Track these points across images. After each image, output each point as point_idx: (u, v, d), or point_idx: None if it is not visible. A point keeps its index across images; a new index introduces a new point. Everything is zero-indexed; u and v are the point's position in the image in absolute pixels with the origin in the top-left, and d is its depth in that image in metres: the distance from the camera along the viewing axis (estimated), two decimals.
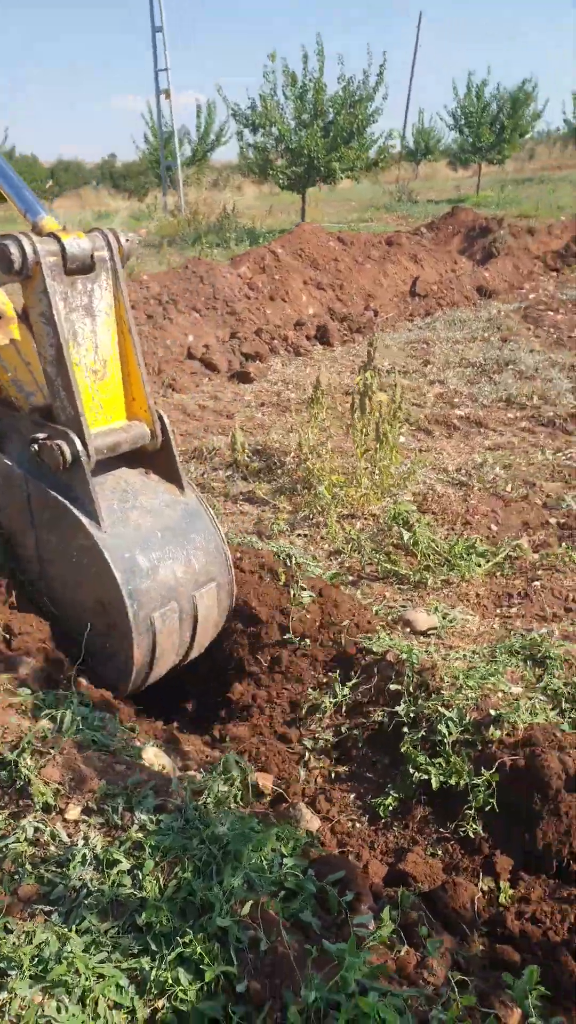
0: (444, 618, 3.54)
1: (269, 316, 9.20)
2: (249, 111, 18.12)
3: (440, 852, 2.63)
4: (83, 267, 2.76)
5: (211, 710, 3.35)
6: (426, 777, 2.72)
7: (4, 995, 1.65)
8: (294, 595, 3.42)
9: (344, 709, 3.11)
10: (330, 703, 3.12)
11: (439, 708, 2.83)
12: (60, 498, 2.81)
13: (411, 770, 2.76)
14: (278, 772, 2.95)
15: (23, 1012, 1.62)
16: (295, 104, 17.75)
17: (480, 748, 2.72)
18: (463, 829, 2.63)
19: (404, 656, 3.09)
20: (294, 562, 3.70)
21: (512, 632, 3.50)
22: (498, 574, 4.06)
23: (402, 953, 2.06)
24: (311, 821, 2.65)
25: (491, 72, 38.18)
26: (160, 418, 3.04)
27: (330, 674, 3.23)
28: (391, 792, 2.80)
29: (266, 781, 2.84)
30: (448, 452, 5.86)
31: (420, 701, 2.90)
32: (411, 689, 2.96)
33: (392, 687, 3.01)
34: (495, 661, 3.15)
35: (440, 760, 2.73)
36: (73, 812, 2.15)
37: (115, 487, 2.98)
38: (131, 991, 1.71)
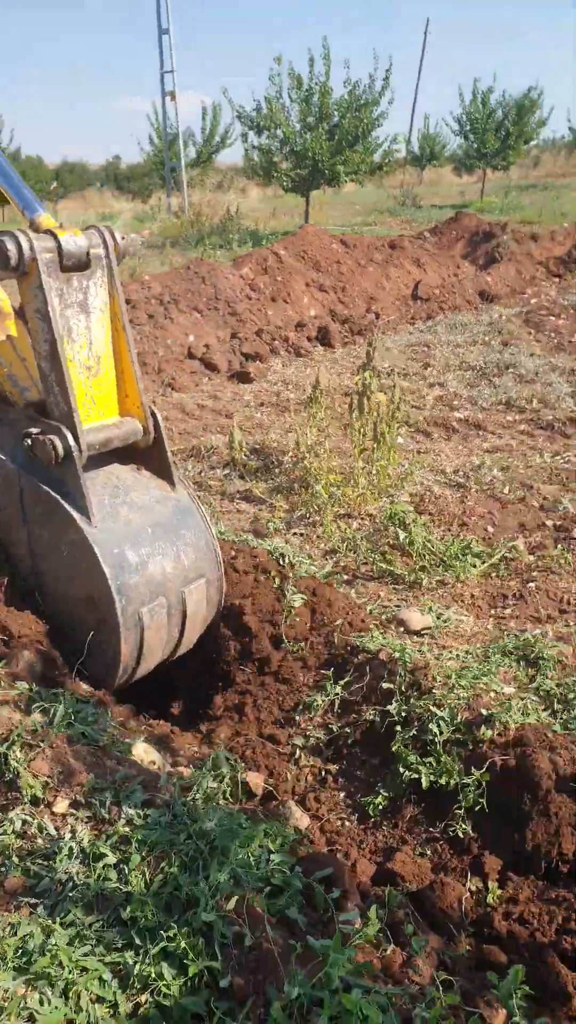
0: (438, 618, 3.53)
1: (270, 317, 9.21)
2: (254, 113, 18.17)
3: (429, 852, 2.62)
4: (79, 264, 2.77)
5: (201, 706, 3.35)
6: (416, 776, 2.72)
7: None
8: (285, 602, 3.41)
9: (336, 708, 3.11)
10: (322, 701, 3.11)
11: (431, 707, 2.82)
12: (52, 493, 2.82)
13: (402, 769, 2.76)
14: (268, 770, 2.94)
15: (5, 1004, 1.62)
16: (300, 107, 17.80)
17: (471, 748, 2.72)
18: (452, 829, 2.62)
19: (397, 655, 3.08)
20: (287, 561, 3.69)
21: (506, 633, 3.50)
22: (493, 575, 4.06)
23: (388, 952, 2.05)
24: (301, 819, 2.65)
25: (496, 79, 38.40)
26: (153, 415, 3.05)
27: (322, 672, 3.22)
28: (381, 791, 2.79)
29: (256, 779, 2.84)
30: (446, 454, 5.86)
31: (412, 700, 2.90)
32: (403, 688, 2.96)
33: (384, 686, 3.00)
34: (488, 661, 3.15)
35: (431, 759, 2.73)
36: (61, 805, 2.15)
37: (106, 482, 3.00)
38: (114, 985, 1.70)
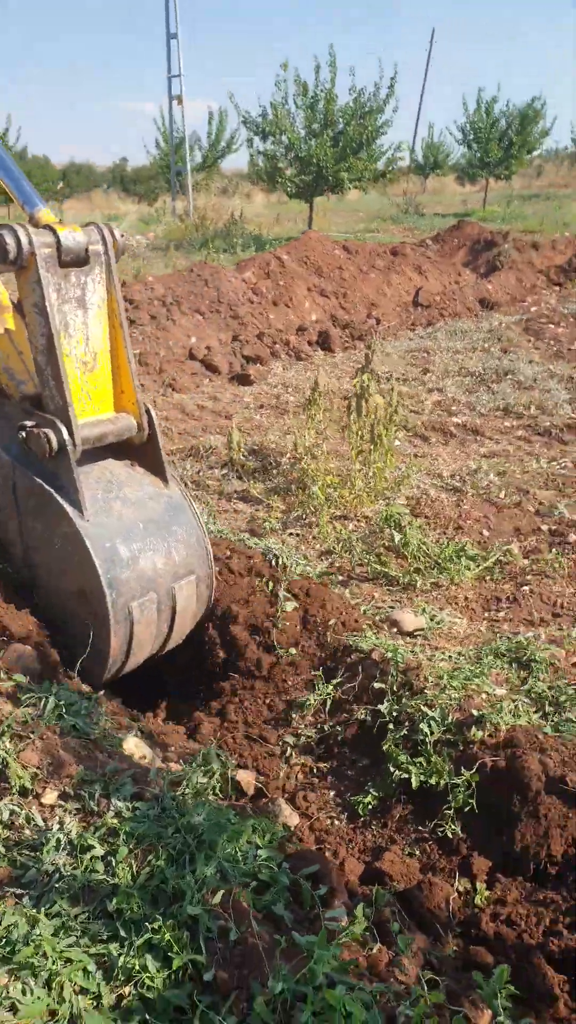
0: (431, 620, 3.53)
1: (272, 321, 9.23)
2: (260, 119, 18.23)
3: (418, 852, 2.62)
4: (77, 260, 2.79)
5: (190, 702, 3.35)
6: (406, 776, 2.71)
7: None
8: (279, 606, 3.41)
9: (328, 707, 3.11)
10: (314, 700, 3.11)
11: (422, 707, 2.82)
12: (45, 486, 2.84)
13: (392, 769, 2.75)
14: (256, 769, 2.94)
15: None
16: (306, 113, 17.88)
17: (461, 748, 2.71)
18: (442, 829, 2.62)
19: (389, 655, 3.08)
20: (280, 562, 3.69)
21: (499, 635, 3.50)
22: (487, 578, 4.06)
23: (374, 951, 2.05)
24: (290, 817, 2.64)
25: (500, 88, 38.61)
26: (147, 411, 3.07)
27: (314, 672, 3.22)
28: (371, 790, 2.79)
29: (248, 778, 2.84)
30: (444, 458, 5.87)
31: (403, 700, 2.89)
32: (395, 688, 2.96)
33: (376, 686, 3.00)
34: (480, 663, 3.14)
35: (421, 759, 2.72)
36: (50, 797, 2.14)
37: (100, 477, 3.02)
38: (98, 976, 1.69)
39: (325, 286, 10.45)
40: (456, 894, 2.46)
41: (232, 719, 3.17)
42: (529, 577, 4.08)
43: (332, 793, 2.87)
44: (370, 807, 2.76)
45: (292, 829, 2.58)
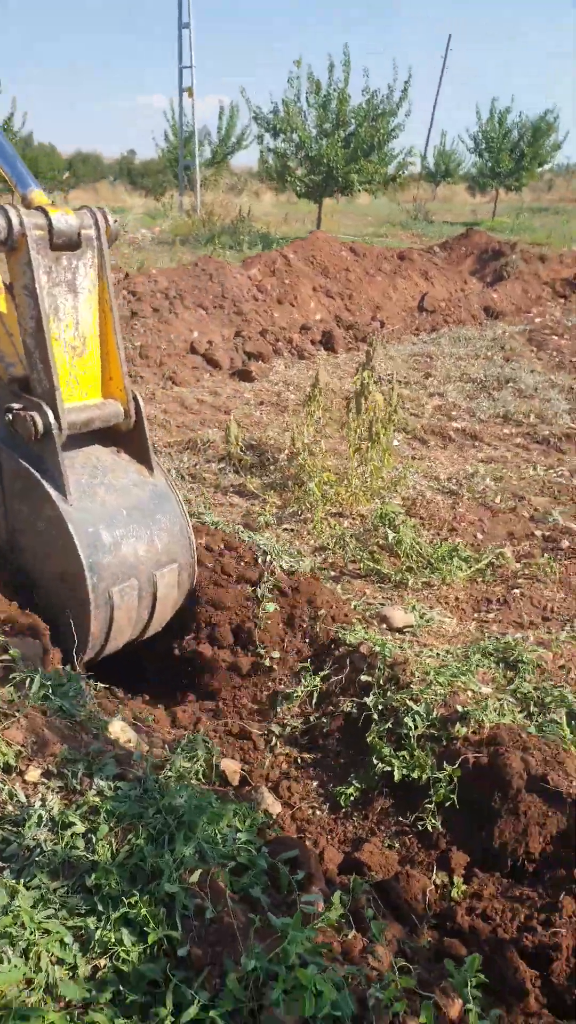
0: (421, 617, 3.55)
1: (276, 319, 9.25)
2: (271, 115, 18.16)
3: (397, 844, 2.64)
4: (69, 243, 2.80)
5: (171, 688, 3.38)
6: (389, 769, 2.73)
7: None
8: (262, 607, 3.43)
9: (314, 698, 3.12)
10: (301, 692, 3.13)
11: (407, 702, 2.84)
12: (31, 469, 2.86)
13: (375, 761, 2.77)
14: (243, 759, 2.96)
15: None
16: (318, 112, 17.80)
17: (445, 744, 2.73)
18: (422, 823, 2.64)
19: (377, 649, 3.10)
20: (268, 559, 3.70)
21: (488, 636, 3.52)
22: (479, 580, 4.08)
23: (349, 937, 2.06)
24: (272, 805, 2.66)
25: (514, 100, 38.76)
26: (135, 398, 3.09)
27: (301, 664, 3.24)
28: (354, 782, 2.81)
29: (233, 767, 2.85)
30: (441, 462, 5.89)
31: (389, 694, 2.91)
32: (381, 682, 2.98)
33: (363, 679, 3.02)
34: (468, 661, 3.16)
35: (404, 753, 2.74)
36: (33, 774, 2.16)
37: (85, 463, 3.04)
38: (75, 948, 1.71)
39: (331, 287, 10.48)
40: (433, 887, 2.48)
41: (216, 709, 3.19)
42: (520, 580, 4.10)
43: (315, 783, 2.89)
44: (352, 798, 2.78)
45: (274, 817, 2.60)
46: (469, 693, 2.93)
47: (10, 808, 2.07)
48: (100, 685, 3.04)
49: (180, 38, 21.91)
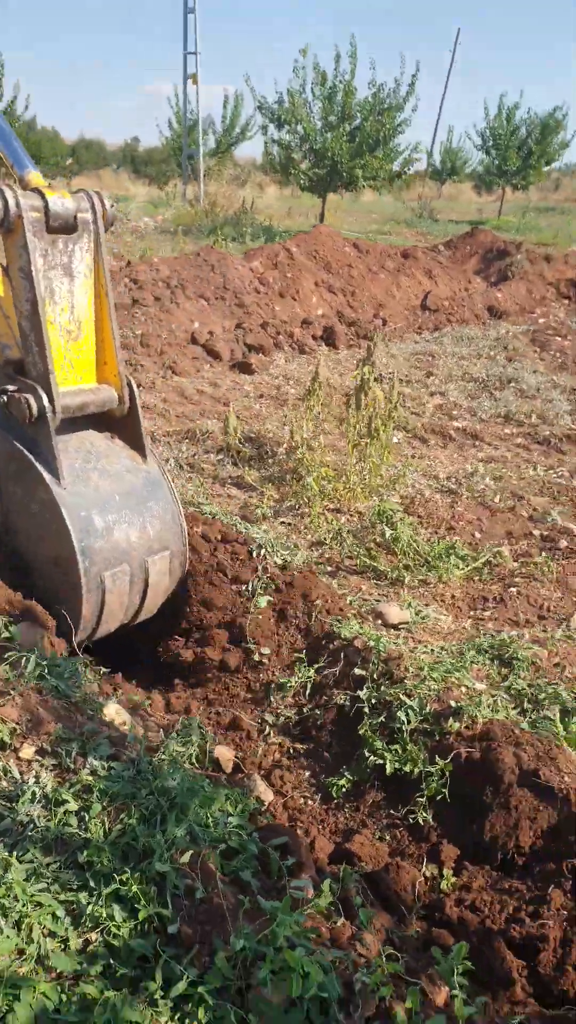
0: (417, 614, 3.56)
1: (277, 312, 9.24)
2: (276, 106, 17.94)
3: (388, 836, 2.65)
4: (66, 226, 2.80)
5: (163, 672, 3.40)
6: (381, 762, 2.75)
7: None
8: (254, 601, 3.44)
9: (308, 690, 3.14)
10: (295, 683, 3.14)
11: (401, 696, 2.85)
12: (25, 452, 2.87)
13: (367, 754, 2.79)
14: (237, 745, 2.97)
15: None
16: (323, 104, 17.58)
17: (437, 738, 2.75)
18: (413, 816, 2.65)
19: (372, 644, 3.11)
20: (263, 552, 3.71)
21: (483, 633, 3.53)
22: (476, 578, 4.10)
23: (338, 924, 2.08)
24: (265, 793, 2.67)
25: (523, 95, 38.62)
26: (129, 384, 3.10)
27: (296, 655, 3.25)
28: (346, 774, 2.82)
29: (227, 754, 2.87)
30: (441, 460, 5.90)
31: (383, 688, 2.93)
32: (375, 676, 2.99)
33: (357, 672, 3.03)
34: (462, 657, 3.18)
35: (397, 747, 2.76)
36: (27, 751, 2.17)
37: (79, 447, 3.06)
38: (66, 922, 1.73)
39: (333, 282, 10.47)
40: (423, 878, 2.49)
41: (208, 698, 3.20)
42: (517, 579, 4.12)
43: (307, 774, 2.90)
44: (344, 790, 2.79)
45: (266, 804, 2.61)
46: (463, 689, 2.95)
47: (4, 784, 2.09)
48: (103, 670, 3.06)
49: (185, 24, 21.70)
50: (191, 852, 1.90)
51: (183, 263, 9.12)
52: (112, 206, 2.96)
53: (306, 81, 17.49)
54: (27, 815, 1.96)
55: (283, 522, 4.56)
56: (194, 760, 2.52)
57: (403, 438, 6.31)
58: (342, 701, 3.03)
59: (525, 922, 2.32)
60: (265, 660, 3.28)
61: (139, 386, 6.68)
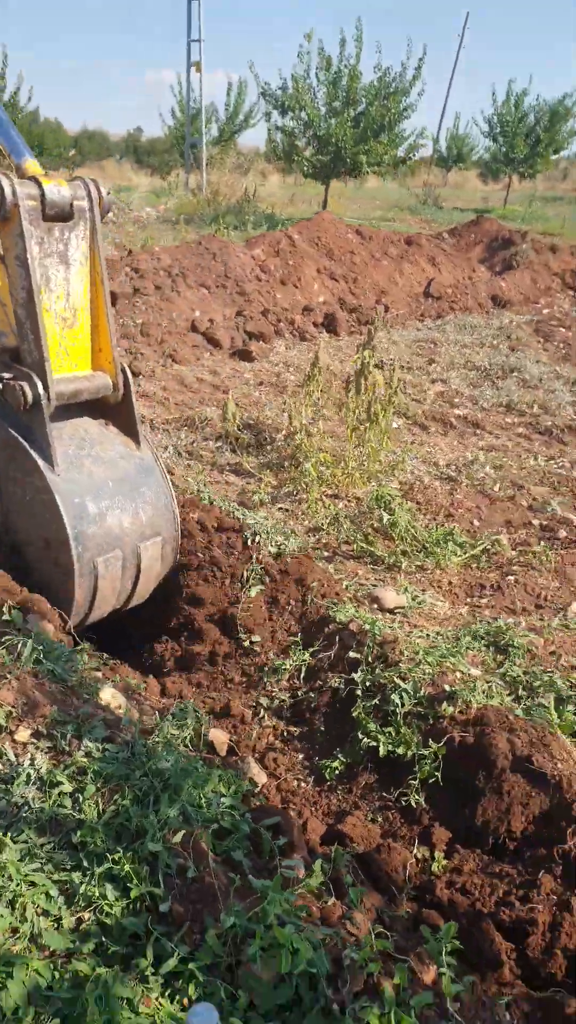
0: (413, 599, 3.58)
1: (278, 299, 9.22)
2: (280, 92, 17.77)
3: (380, 819, 2.68)
4: (62, 214, 2.81)
5: (155, 656, 3.42)
6: (375, 745, 2.77)
7: None
8: (245, 591, 3.45)
9: (303, 673, 3.16)
10: (290, 666, 3.16)
11: (395, 679, 2.87)
12: (19, 438, 2.90)
13: (361, 736, 2.81)
14: (232, 726, 2.99)
15: None
16: (327, 89, 17.38)
17: (431, 722, 2.76)
18: (405, 798, 2.67)
19: (367, 627, 3.13)
20: (258, 539, 3.71)
21: (480, 620, 3.55)
22: (474, 566, 4.11)
23: (329, 904, 2.10)
24: (258, 775, 2.70)
25: (532, 81, 38.20)
26: (123, 371, 3.11)
27: (291, 638, 3.27)
28: (339, 756, 2.84)
29: (222, 737, 2.89)
30: (441, 448, 5.90)
31: (377, 671, 2.95)
32: (370, 659, 3.01)
33: (352, 655, 3.05)
34: (458, 643, 3.19)
35: (390, 729, 2.78)
36: (23, 734, 2.19)
37: (74, 434, 3.08)
38: (60, 901, 1.75)
39: (335, 269, 10.43)
40: (414, 860, 2.51)
41: (201, 683, 3.23)
42: (515, 568, 4.13)
43: (301, 756, 2.93)
44: (337, 772, 2.81)
45: (259, 786, 2.63)
46: (458, 674, 2.96)
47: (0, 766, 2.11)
48: (106, 656, 3.09)
49: (189, 10, 21.49)
50: (183, 832, 1.92)
51: (184, 252, 9.09)
52: (108, 193, 2.97)
53: (310, 66, 17.32)
54: (22, 797, 1.98)
55: (281, 508, 4.57)
56: (188, 743, 2.54)
57: (403, 425, 6.31)
58: (336, 684, 3.05)
59: (515, 906, 2.35)
60: (258, 647, 3.30)
61: (139, 375, 6.73)
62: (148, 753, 2.20)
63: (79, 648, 2.87)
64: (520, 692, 3.01)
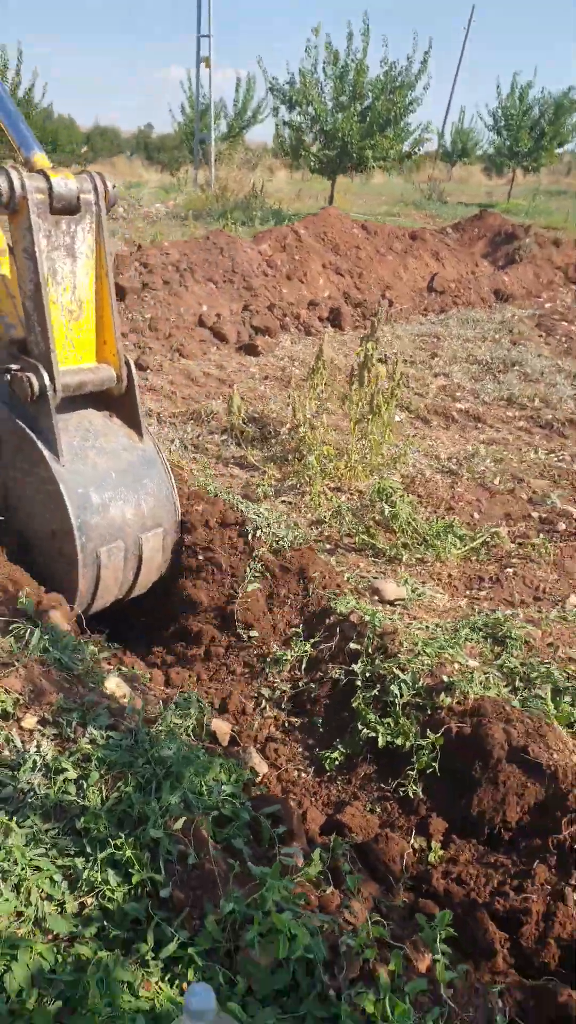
0: (413, 591, 3.61)
1: (284, 294, 9.23)
2: (287, 86, 17.78)
3: (379, 809, 2.71)
4: (69, 207, 2.84)
5: (157, 645, 3.47)
6: (374, 735, 2.80)
7: None
8: (244, 585, 3.49)
9: (304, 664, 3.19)
10: (291, 656, 3.20)
11: (394, 670, 2.91)
12: (26, 428, 2.94)
13: (360, 727, 2.84)
14: (232, 713, 3.03)
15: None
16: (334, 84, 17.39)
17: (429, 712, 2.80)
18: (403, 789, 2.71)
19: (368, 619, 3.16)
20: (259, 532, 3.74)
21: (478, 612, 3.58)
22: (473, 558, 4.14)
23: (327, 892, 2.14)
24: (259, 765, 2.73)
25: (537, 74, 38.00)
26: (127, 363, 3.15)
27: (293, 629, 3.30)
28: (339, 747, 2.88)
29: (224, 727, 2.93)
30: (443, 441, 5.92)
31: (377, 662, 2.98)
32: (370, 650, 3.04)
33: (352, 646, 3.09)
34: (456, 635, 3.22)
35: (389, 720, 2.81)
36: (29, 721, 2.23)
37: (78, 425, 3.12)
38: (63, 886, 1.79)
39: (341, 264, 10.44)
40: (411, 850, 2.55)
41: (202, 677, 3.27)
42: (514, 560, 4.16)
43: (301, 747, 2.96)
44: (337, 763, 2.85)
45: (260, 776, 2.67)
46: (456, 665, 3.00)
47: (6, 753, 2.15)
48: (114, 645, 3.14)
49: (199, 6, 21.47)
50: (184, 819, 1.96)
51: (192, 247, 9.10)
52: (113, 187, 3.00)
53: (318, 60, 17.32)
54: (28, 783, 2.02)
55: (284, 500, 4.60)
56: (191, 732, 2.58)
57: (406, 418, 6.33)
58: (337, 675, 3.08)
59: (509, 896, 2.38)
60: (266, 636, 3.33)
61: (147, 369, 6.76)
62: (151, 741, 2.24)
63: (94, 642, 2.92)
64: (517, 683, 3.04)
